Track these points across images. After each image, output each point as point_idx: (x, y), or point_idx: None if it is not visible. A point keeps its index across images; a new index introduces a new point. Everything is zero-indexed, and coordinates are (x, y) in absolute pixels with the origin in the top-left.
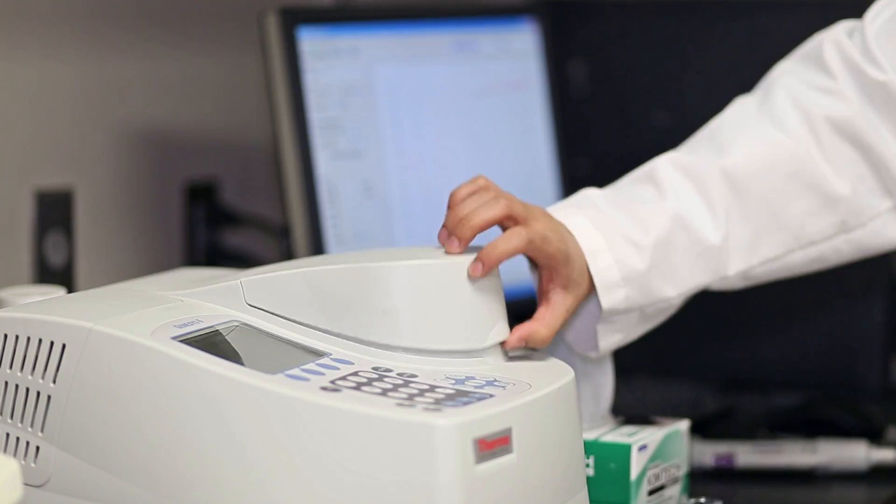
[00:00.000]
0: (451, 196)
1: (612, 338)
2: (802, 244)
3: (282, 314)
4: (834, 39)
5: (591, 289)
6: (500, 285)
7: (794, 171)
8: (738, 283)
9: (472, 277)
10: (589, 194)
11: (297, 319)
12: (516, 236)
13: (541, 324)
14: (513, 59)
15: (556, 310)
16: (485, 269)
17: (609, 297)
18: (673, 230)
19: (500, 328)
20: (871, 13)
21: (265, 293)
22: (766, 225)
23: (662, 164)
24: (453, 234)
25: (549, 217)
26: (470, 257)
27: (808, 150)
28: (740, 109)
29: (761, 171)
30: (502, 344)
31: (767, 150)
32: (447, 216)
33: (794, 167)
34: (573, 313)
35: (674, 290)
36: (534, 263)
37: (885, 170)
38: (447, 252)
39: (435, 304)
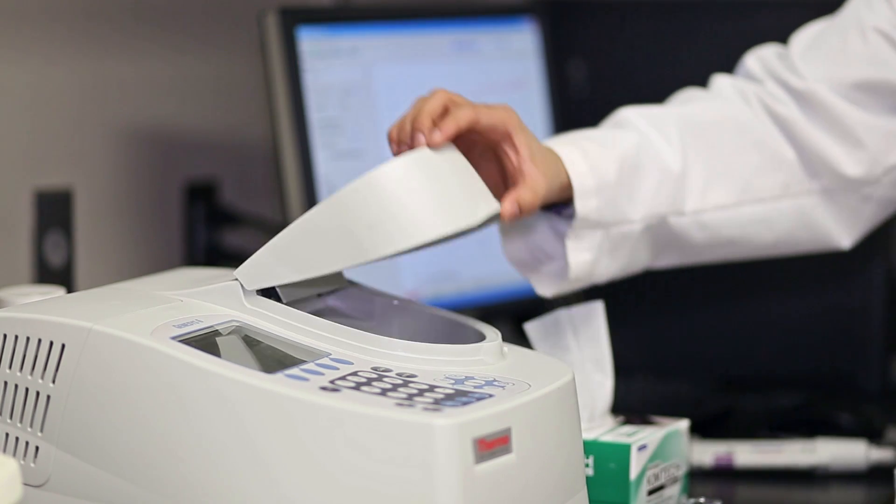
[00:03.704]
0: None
1: (582, 256)
2: (751, 198)
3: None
4: (757, 55)
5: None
6: (468, 164)
7: (742, 128)
8: (695, 233)
9: (433, 146)
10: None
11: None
12: (464, 109)
13: (523, 188)
14: (512, 59)
15: (533, 177)
16: (443, 136)
17: (584, 204)
18: (638, 152)
19: (486, 200)
20: (795, 35)
21: (259, 278)
22: (718, 171)
23: (623, 111)
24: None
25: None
26: (422, 150)
27: (751, 114)
28: (687, 92)
29: (713, 122)
30: (499, 218)
31: (718, 108)
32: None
33: (741, 125)
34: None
35: (636, 212)
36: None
37: (813, 159)
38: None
39: (413, 198)
